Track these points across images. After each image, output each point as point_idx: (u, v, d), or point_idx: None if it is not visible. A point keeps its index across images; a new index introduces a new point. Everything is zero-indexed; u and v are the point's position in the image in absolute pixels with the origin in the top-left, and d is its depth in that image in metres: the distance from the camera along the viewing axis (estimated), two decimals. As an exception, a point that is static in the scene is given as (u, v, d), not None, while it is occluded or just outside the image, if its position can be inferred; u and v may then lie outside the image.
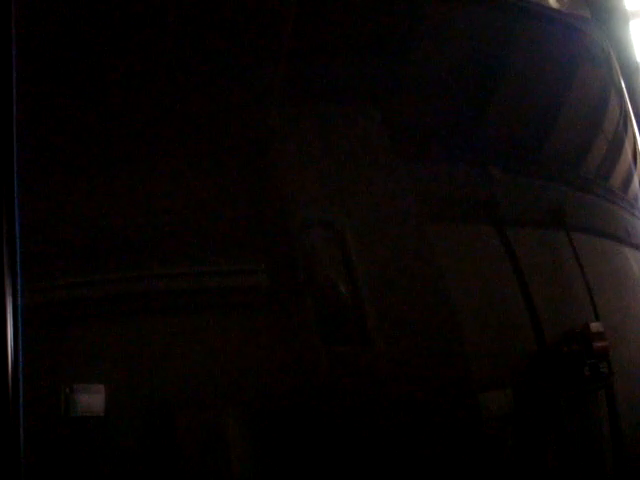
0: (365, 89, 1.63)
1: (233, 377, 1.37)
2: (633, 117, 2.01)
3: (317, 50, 1.60)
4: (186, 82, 1.46)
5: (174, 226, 1.38)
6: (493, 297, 1.66)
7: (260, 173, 1.51)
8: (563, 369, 1.68)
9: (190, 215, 1.40)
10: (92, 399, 1.26)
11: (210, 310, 1.40)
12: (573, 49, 1.96)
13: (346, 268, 1.51)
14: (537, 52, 1.88)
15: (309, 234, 1.51)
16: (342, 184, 1.54)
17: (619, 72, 2.00)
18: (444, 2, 1.80)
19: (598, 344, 1.70)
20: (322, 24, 1.62)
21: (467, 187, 1.70)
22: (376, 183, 1.58)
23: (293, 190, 1.50)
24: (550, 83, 1.90)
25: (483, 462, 1.57)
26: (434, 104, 1.71)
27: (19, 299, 1.26)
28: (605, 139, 1.97)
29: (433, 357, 1.55)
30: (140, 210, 1.37)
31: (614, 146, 1.98)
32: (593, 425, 1.76)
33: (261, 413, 1.40)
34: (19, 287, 1.26)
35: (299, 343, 1.45)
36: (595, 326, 1.71)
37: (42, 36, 1.36)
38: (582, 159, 1.93)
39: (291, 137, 1.52)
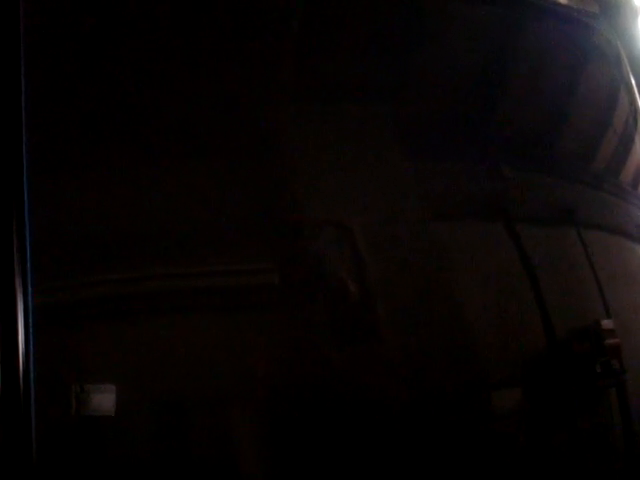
0: (375, 87, 1.63)
1: (244, 377, 1.37)
2: (643, 113, 2.01)
3: (325, 47, 1.60)
4: (195, 80, 1.45)
5: (185, 225, 1.38)
6: (504, 295, 1.66)
7: (269, 172, 1.50)
8: (574, 367, 1.68)
9: (201, 214, 1.40)
10: (103, 398, 1.26)
11: (221, 309, 1.39)
12: (582, 45, 1.95)
13: (356, 267, 1.51)
14: (545, 48, 1.87)
15: (319, 233, 1.51)
16: (352, 183, 1.53)
17: (628, 68, 2.00)
18: (452, -1, 1.80)
19: (609, 341, 1.70)
20: (329, 20, 1.62)
21: (477, 185, 1.70)
22: (386, 182, 1.57)
23: (303, 189, 1.50)
24: (559, 79, 1.89)
25: (495, 460, 1.56)
26: (443, 102, 1.71)
27: (30, 299, 1.25)
28: (615, 135, 1.96)
29: (444, 355, 1.55)
30: (150, 209, 1.37)
31: (624, 142, 1.97)
32: (605, 422, 1.75)
33: (273, 412, 1.40)
34: (30, 287, 1.26)
35: (309, 343, 1.44)
36: (606, 323, 1.71)
37: (51, 33, 1.36)
38: (592, 156, 1.92)
39: (300, 135, 1.52)
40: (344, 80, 1.59)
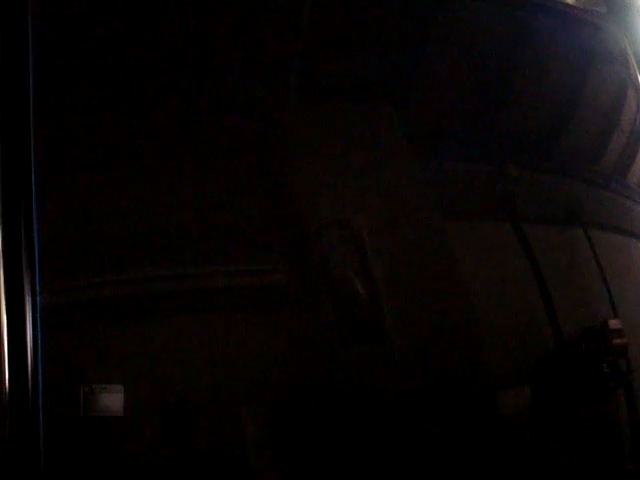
0: (382, 87, 1.63)
1: (251, 376, 1.37)
2: (650, 112, 2.00)
3: (333, 48, 1.60)
4: (203, 80, 1.46)
5: (193, 226, 1.39)
6: (511, 294, 1.66)
7: (276, 172, 1.51)
8: (582, 366, 1.67)
9: (209, 215, 1.40)
10: (111, 399, 1.26)
11: (229, 310, 1.40)
12: (589, 45, 1.95)
13: (363, 267, 1.51)
14: (552, 48, 1.87)
15: (326, 233, 1.51)
16: (359, 183, 1.54)
17: (636, 67, 1.99)
18: (459, -1, 1.80)
19: (617, 341, 1.69)
20: (337, 21, 1.62)
21: (484, 185, 1.69)
22: (393, 181, 1.57)
23: (310, 189, 1.50)
24: (566, 79, 1.89)
25: (502, 460, 1.56)
26: (451, 101, 1.71)
27: (38, 299, 1.26)
28: (622, 135, 1.96)
29: (451, 355, 1.55)
30: (159, 210, 1.37)
31: (631, 142, 1.97)
32: (612, 422, 1.75)
33: (279, 412, 1.40)
34: (38, 287, 1.26)
35: (316, 343, 1.44)
36: (614, 323, 1.71)
37: (59, 35, 1.37)
38: (599, 155, 1.92)
39: (307, 135, 1.52)
40: (350, 80, 1.59)
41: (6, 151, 1.30)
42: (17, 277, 1.26)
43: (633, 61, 1.99)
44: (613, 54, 1.99)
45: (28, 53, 1.32)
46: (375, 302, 1.52)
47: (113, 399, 1.26)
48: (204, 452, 1.33)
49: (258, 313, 1.41)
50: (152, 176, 1.39)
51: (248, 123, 1.48)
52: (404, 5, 1.70)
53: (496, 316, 1.62)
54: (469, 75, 1.74)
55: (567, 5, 2.02)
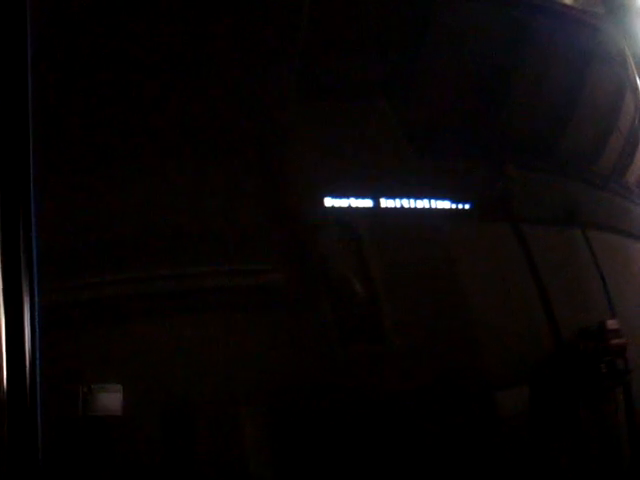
0: (381, 86, 1.63)
1: (251, 376, 1.37)
2: (648, 113, 2.00)
3: (332, 47, 1.60)
4: (202, 80, 1.46)
5: (192, 226, 1.39)
6: (509, 295, 1.66)
7: (276, 171, 1.51)
8: (579, 366, 1.68)
9: (209, 215, 1.40)
10: (110, 398, 1.26)
11: (228, 310, 1.40)
12: (587, 46, 1.95)
13: (363, 267, 1.51)
14: (550, 49, 1.87)
15: (326, 233, 1.51)
16: (359, 182, 1.53)
17: (634, 68, 1.99)
18: (457, -1, 1.80)
19: (615, 341, 1.69)
20: (337, 20, 1.62)
21: (483, 185, 1.70)
22: (393, 181, 1.57)
23: (310, 188, 1.50)
24: (564, 80, 1.89)
25: (501, 460, 1.57)
26: (450, 101, 1.71)
27: (36, 299, 1.26)
28: (620, 136, 1.96)
29: (449, 355, 1.55)
30: (157, 210, 1.37)
31: (629, 143, 1.97)
32: (610, 423, 1.75)
33: (279, 412, 1.40)
34: (36, 287, 1.26)
35: (316, 343, 1.44)
36: (611, 323, 1.71)
37: (57, 33, 1.37)
38: (597, 156, 1.92)
39: (307, 135, 1.52)
40: (350, 79, 1.59)
41: (4, 151, 1.29)
42: (15, 277, 1.26)
43: (631, 62, 1.99)
44: (611, 55, 1.99)
45: (27, 52, 1.32)
46: (375, 302, 1.52)
47: (112, 399, 1.26)
48: (204, 452, 1.33)
49: (258, 313, 1.41)
50: (151, 176, 1.39)
51: (248, 122, 1.48)
52: (404, 5, 1.70)
53: (494, 316, 1.62)
54: (468, 75, 1.74)
55: (565, 6, 2.03)
